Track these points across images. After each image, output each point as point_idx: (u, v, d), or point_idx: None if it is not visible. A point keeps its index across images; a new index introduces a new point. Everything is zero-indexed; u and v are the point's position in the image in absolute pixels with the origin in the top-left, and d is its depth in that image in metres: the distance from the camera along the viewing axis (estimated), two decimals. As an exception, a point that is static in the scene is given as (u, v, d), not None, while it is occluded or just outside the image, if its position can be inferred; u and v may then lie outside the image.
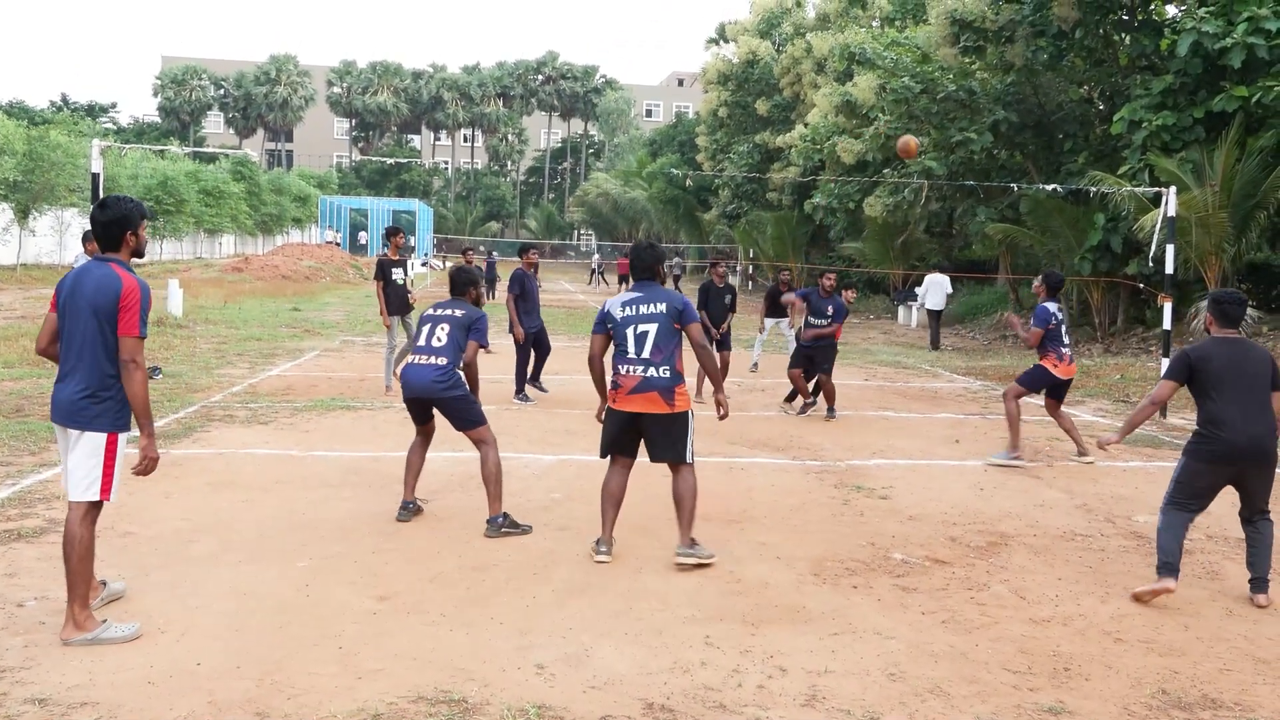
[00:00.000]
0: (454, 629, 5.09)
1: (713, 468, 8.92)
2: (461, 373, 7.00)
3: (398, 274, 12.82)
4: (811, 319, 12.17)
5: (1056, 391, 10.00)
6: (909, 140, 14.74)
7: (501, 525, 6.82)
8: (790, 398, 12.65)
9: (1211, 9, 17.59)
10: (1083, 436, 10.07)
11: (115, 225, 4.92)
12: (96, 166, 11.65)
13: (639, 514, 7.36)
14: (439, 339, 6.94)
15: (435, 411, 7.13)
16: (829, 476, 8.89)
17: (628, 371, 6.23)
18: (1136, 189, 17.93)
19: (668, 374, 6.20)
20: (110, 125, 73.53)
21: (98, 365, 4.77)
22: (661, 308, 6.28)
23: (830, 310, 12.12)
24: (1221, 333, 6.12)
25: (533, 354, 12.72)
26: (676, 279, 41.56)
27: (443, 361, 6.91)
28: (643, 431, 6.32)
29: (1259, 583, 6.00)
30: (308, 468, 8.51)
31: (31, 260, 33.45)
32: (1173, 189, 14.04)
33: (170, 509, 7.07)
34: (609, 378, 6.41)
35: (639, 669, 4.68)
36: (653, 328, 6.24)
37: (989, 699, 4.50)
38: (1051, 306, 9.86)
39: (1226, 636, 5.35)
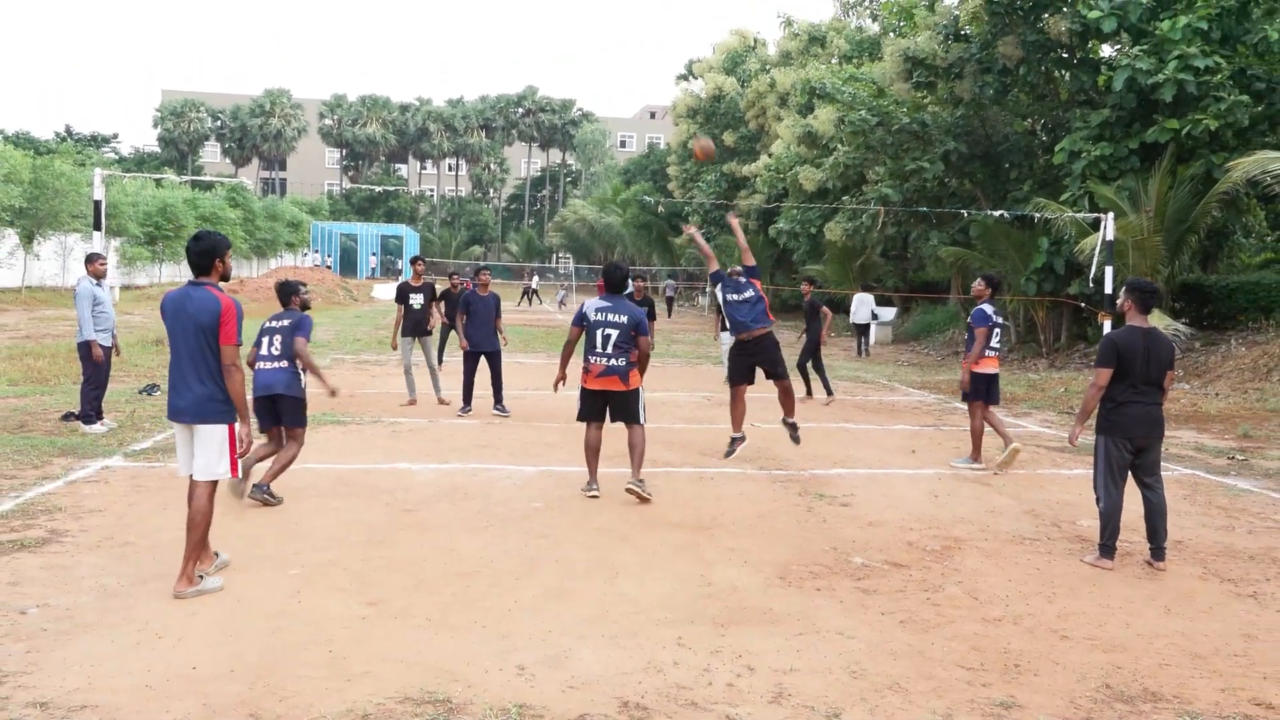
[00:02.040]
0: (439, 632, 5.05)
1: (684, 478, 8.92)
2: (304, 374, 7.87)
3: (416, 299, 12.87)
4: (730, 297, 9.73)
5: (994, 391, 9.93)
6: (704, 144, 12.14)
7: (264, 493, 7.53)
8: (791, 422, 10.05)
9: (1145, 48, 17.85)
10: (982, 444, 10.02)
11: (207, 255, 5.57)
12: (99, 194, 11.55)
13: (617, 522, 7.35)
14: (275, 348, 7.81)
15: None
16: (793, 485, 8.90)
17: (596, 361, 8.01)
18: (1077, 215, 18.14)
19: (623, 363, 8.00)
20: (112, 155, 72.98)
21: (211, 373, 5.48)
22: (624, 319, 8.02)
23: (749, 293, 9.69)
24: (1139, 320, 6.66)
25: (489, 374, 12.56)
26: (670, 300, 42.58)
27: (285, 365, 7.78)
28: (608, 403, 8.10)
29: (1158, 551, 6.59)
30: (299, 479, 8.42)
31: (36, 283, 33.08)
32: (1111, 215, 14.24)
33: (168, 520, 6.98)
34: (583, 361, 8.09)
35: (615, 669, 4.66)
36: (615, 332, 7.99)
37: (945, 694, 4.50)
38: (989, 308, 9.83)
39: (1165, 633, 5.38)
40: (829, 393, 14.71)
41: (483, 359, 12.49)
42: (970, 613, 5.62)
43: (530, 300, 47.65)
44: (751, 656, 4.85)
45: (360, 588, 5.71)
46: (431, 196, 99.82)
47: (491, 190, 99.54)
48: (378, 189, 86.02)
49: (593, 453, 8.15)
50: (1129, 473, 6.65)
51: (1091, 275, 17.86)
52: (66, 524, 6.81)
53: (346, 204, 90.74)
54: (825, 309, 15.05)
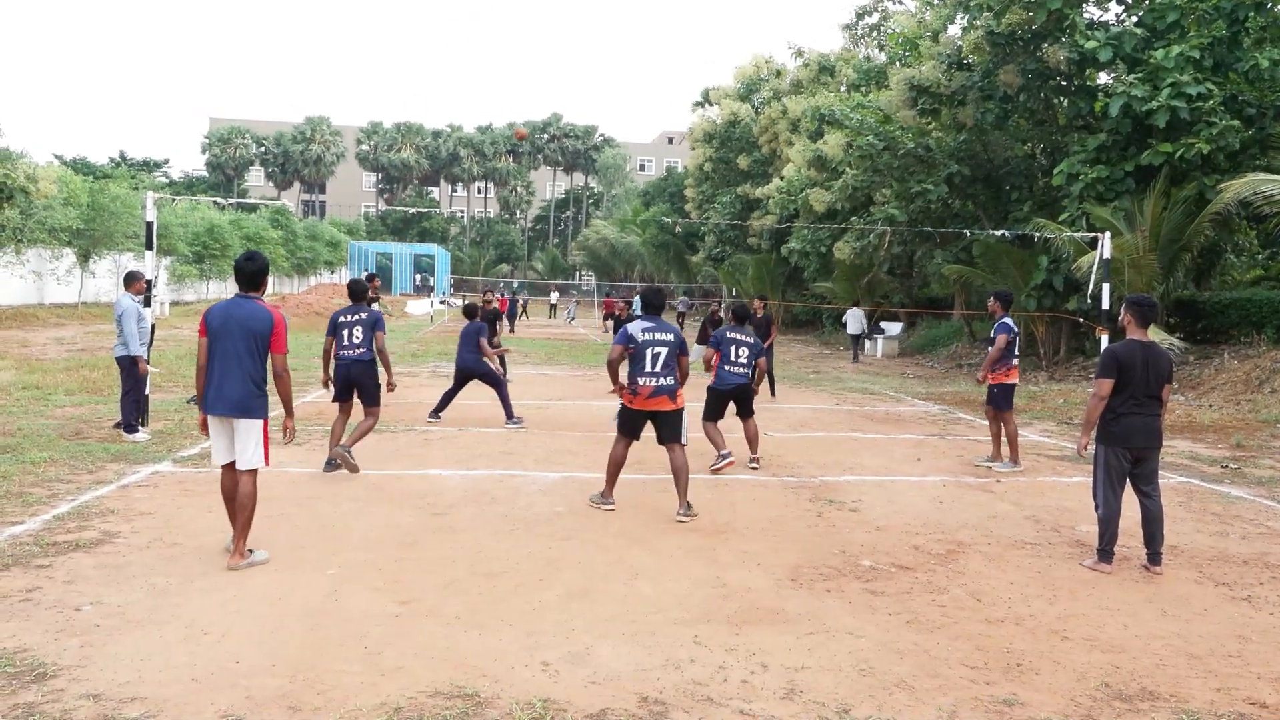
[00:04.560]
0: (467, 630, 5.05)
1: (699, 484, 8.89)
2: (377, 356, 9.12)
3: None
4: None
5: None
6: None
7: (346, 451, 8.75)
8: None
9: (1139, 75, 17.76)
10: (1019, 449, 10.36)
11: (260, 273, 6.00)
12: (150, 216, 11.63)
13: (635, 526, 7.33)
14: (356, 336, 9.08)
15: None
16: (804, 491, 8.86)
17: (646, 382, 7.66)
18: (1075, 234, 18.03)
19: (671, 382, 7.71)
20: (163, 179, 73.64)
21: (252, 375, 5.82)
22: (670, 337, 7.72)
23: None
24: (1139, 334, 6.60)
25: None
26: (681, 316, 42.48)
27: (362, 351, 9.08)
28: (654, 422, 7.77)
29: (1155, 556, 6.50)
30: (336, 484, 8.46)
31: (91, 299, 33.43)
32: (1107, 234, 14.10)
33: (213, 523, 7.01)
34: (629, 384, 7.72)
35: (635, 666, 4.64)
36: (664, 351, 7.68)
37: (949, 692, 4.46)
38: (1009, 321, 10.09)
39: (1162, 634, 5.31)
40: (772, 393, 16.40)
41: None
42: (974, 614, 5.57)
43: (553, 314, 48.73)
44: (764, 654, 4.82)
45: (393, 587, 5.71)
46: (462, 217, 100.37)
47: (518, 211, 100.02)
48: (411, 211, 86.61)
49: (617, 468, 7.81)
50: (1127, 481, 6.58)
51: (1089, 292, 17.69)
52: (118, 526, 6.86)
53: (382, 225, 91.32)
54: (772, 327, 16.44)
